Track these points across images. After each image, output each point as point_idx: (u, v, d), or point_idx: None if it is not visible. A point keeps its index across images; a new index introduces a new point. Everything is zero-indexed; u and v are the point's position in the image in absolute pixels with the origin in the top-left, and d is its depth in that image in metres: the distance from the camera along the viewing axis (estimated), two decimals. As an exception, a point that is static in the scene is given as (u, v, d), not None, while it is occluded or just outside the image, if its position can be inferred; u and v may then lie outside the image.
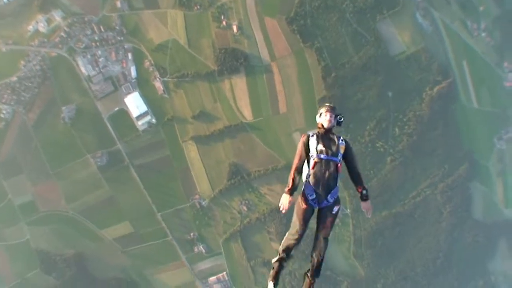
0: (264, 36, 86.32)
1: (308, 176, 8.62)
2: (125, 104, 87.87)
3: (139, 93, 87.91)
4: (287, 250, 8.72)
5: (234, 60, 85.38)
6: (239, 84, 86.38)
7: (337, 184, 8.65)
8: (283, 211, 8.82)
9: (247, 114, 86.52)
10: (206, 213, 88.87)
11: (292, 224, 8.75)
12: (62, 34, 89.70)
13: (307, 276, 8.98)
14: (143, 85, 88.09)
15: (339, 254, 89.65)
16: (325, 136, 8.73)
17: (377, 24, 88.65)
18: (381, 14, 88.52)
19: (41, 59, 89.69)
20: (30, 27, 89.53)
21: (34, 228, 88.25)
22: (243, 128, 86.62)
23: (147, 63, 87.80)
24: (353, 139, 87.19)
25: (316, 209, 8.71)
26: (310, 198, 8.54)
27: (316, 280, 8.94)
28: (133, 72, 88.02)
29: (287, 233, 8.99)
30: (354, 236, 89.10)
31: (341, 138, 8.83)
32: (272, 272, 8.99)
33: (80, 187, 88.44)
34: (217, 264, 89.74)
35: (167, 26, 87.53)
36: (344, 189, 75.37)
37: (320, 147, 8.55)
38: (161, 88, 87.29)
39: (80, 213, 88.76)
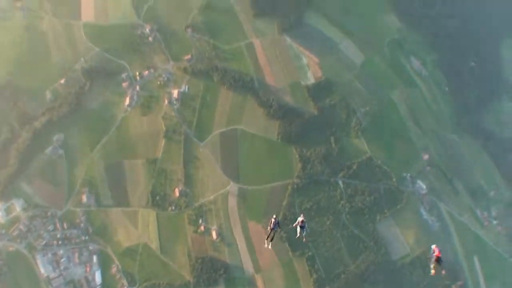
0: (248, 244, 75.69)
1: None
2: (87, 314, 76.61)
3: (103, 303, 76.74)
4: None
5: (213, 271, 74.38)
6: (218, 300, 75.16)
7: None
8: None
9: (227, 334, 74.97)
10: None
11: None
12: (21, 227, 79.29)
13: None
14: (108, 294, 76.95)
15: None
16: None
17: (377, 225, 78.18)
18: (382, 214, 78.25)
19: (-4, 252, 79.21)
20: (-12, 215, 79.46)
21: None
22: None
23: (114, 269, 76.78)
24: None
25: None
26: None
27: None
28: (98, 278, 76.88)
29: None
30: None
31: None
32: None
33: None
34: None
35: (138, 228, 77.03)
36: None
37: None
38: (129, 299, 76.21)
39: None
